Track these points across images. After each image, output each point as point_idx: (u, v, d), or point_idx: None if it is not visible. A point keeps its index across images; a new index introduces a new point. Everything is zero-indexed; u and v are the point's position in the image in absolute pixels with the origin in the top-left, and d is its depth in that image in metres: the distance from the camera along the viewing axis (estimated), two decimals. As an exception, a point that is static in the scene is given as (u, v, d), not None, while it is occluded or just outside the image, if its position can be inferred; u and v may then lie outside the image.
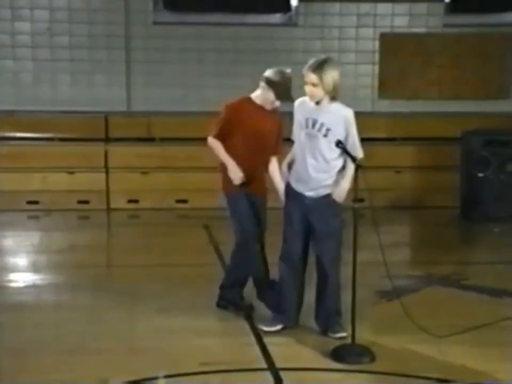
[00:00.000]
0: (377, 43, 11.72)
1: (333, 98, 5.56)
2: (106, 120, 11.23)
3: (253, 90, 6.18)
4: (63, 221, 10.12)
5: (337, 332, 5.71)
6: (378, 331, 5.89)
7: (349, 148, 5.51)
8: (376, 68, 11.75)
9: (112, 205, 10.66)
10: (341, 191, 5.63)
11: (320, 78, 5.46)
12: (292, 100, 5.94)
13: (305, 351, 5.50)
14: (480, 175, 10.12)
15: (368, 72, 11.71)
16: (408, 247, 9.54)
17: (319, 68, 5.47)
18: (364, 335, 5.51)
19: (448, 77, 11.71)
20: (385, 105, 11.77)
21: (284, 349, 5.56)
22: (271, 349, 5.51)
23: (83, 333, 5.84)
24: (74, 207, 10.50)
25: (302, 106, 5.70)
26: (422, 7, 11.75)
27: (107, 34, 11.35)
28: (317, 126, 5.57)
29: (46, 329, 5.91)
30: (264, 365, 5.24)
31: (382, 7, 11.68)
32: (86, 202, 10.59)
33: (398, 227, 9.97)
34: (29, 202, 10.49)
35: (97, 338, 5.73)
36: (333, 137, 5.51)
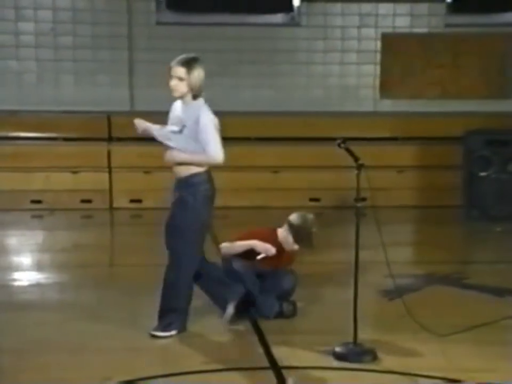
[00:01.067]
0: (379, 43, 11.73)
1: (195, 96, 5.63)
2: (109, 120, 11.24)
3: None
4: (66, 220, 10.15)
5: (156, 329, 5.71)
6: (380, 330, 5.91)
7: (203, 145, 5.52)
8: (378, 67, 11.75)
9: (115, 205, 10.69)
10: (172, 154, 5.62)
11: (188, 73, 5.54)
12: (311, 246, 6.10)
13: (307, 350, 5.51)
14: (482, 174, 10.14)
15: (370, 72, 11.71)
16: (410, 246, 9.54)
17: (188, 63, 5.55)
18: (366, 334, 5.51)
19: (449, 77, 11.72)
20: (387, 105, 11.78)
21: (286, 347, 5.57)
22: (274, 347, 5.52)
23: (86, 331, 5.85)
24: (78, 207, 10.53)
25: (175, 106, 5.82)
26: (423, 7, 11.76)
27: (110, 35, 11.38)
28: (177, 121, 5.66)
29: (49, 328, 5.93)
30: (267, 364, 5.26)
31: (384, 7, 11.70)
32: (89, 201, 10.61)
33: (400, 226, 9.96)
34: (33, 202, 10.52)
35: (99, 337, 5.74)
36: (188, 133, 5.56)
